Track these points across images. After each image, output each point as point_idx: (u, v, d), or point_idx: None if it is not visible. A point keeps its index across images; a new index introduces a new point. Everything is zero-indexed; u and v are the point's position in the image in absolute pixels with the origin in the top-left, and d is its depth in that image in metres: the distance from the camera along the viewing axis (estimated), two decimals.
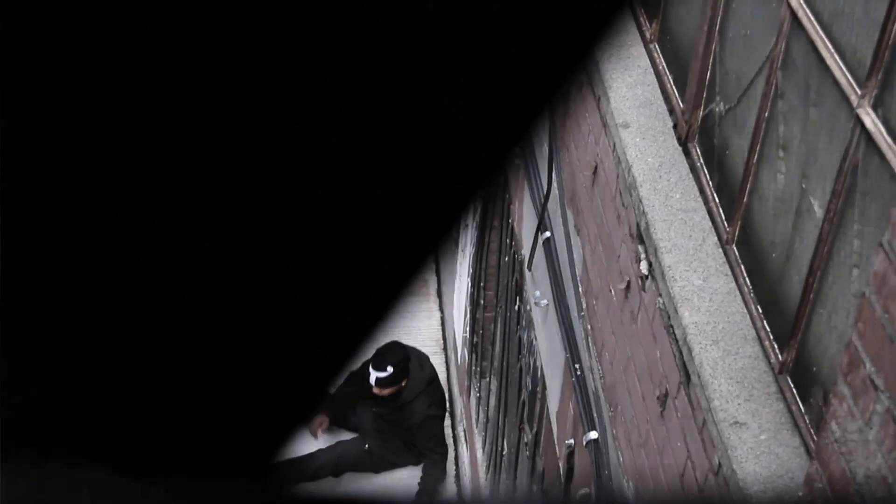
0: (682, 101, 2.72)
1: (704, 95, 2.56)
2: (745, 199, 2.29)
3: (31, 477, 0.27)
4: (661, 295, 2.42)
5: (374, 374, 5.22)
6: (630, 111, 2.78)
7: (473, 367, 5.67)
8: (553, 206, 3.57)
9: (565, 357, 3.31)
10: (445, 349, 6.86)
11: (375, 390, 5.28)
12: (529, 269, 3.92)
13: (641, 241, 2.58)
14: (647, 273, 2.56)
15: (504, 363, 4.74)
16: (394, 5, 0.26)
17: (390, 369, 5.26)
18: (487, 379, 5.45)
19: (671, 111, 2.77)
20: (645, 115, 2.76)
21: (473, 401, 5.69)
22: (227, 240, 0.27)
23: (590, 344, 3.08)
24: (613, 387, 2.86)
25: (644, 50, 2.96)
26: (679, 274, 2.34)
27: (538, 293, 3.74)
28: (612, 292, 2.86)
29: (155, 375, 0.28)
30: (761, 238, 2.23)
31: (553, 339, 3.61)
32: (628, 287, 2.70)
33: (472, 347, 5.65)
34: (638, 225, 2.58)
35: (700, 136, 2.62)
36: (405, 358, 5.34)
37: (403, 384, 5.32)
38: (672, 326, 2.33)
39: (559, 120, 3.39)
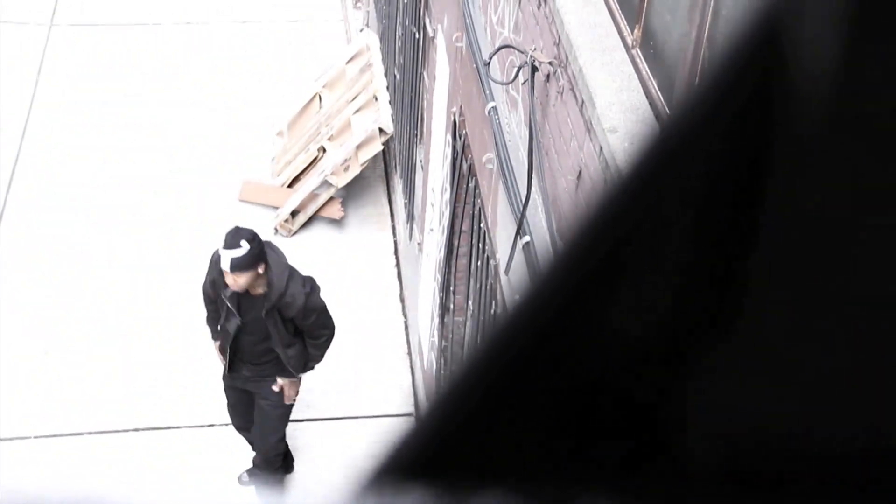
0: (668, 107, 2.75)
1: None
2: None
3: None
4: None
5: (227, 257, 4.79)
6: (617, 116, 2.80)
7: (442, 372, 5.67)
8: (530, 211, 3.59)
9: None
10: (410, 354, 6.86)
11: (231, 279, 4.87)
12: (506, 274, 3.93)
13: None
14: None
15: None
16: None
17: (245, 245, 4.80)
18: None
19: (657, 117, 2.80)
20: (632, 121, 2.79)
21: None
22: None
23: None
24: None
25: (627, 55, 2.99)
26: None
27: (518, 298, 3.75)
28: None
29: None
30: None
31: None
32: None
33: (441, 352, 5.65)
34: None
35: None
36: (256, 237, 4.93)
37: (261, 270, 4.91)
38: None
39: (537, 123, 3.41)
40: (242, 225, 5.16)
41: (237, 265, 4.84)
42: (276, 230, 7.50)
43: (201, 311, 5.66)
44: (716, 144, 0.26)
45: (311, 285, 5.17)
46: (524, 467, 0.27)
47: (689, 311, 0.26)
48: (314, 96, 8.23)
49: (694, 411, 0.26)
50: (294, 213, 7.54)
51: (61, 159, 8.01)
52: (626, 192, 0.26)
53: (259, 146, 8.22)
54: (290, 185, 7.72)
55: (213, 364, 5.78)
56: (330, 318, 5.30)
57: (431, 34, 5.82)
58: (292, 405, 5.65)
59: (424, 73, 6.25)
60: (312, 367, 5.49)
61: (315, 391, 6.53)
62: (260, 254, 4.93)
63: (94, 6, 9.51)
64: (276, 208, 7.60)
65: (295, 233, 7.54)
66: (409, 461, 0.28)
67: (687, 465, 0.26)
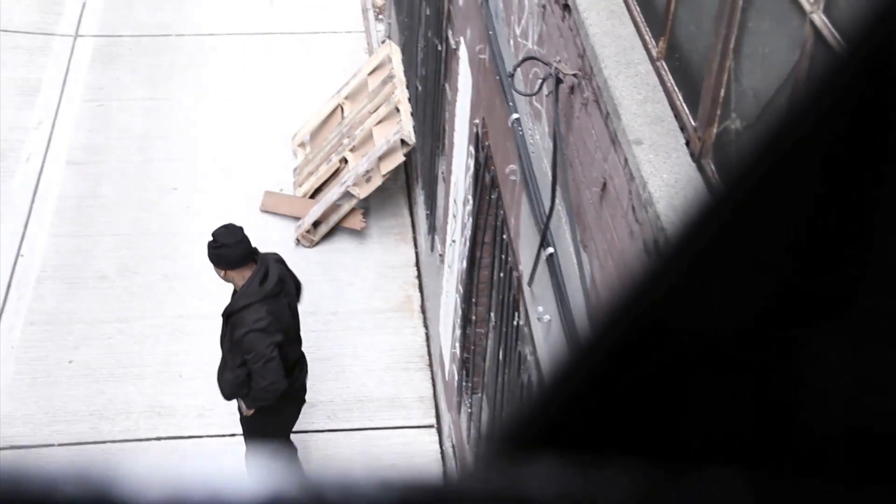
0: (693, 118, 2.75)
1: (718, 112, 2.60)
2: None
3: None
4: None
5: None
6: (642, 128, 2.81)
7: (464, 384, 5.67)
8: (553, 222, 3.60)
9: None
10: (431, 365, 6.86)
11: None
12: (530, 285, 3.94)
13: None
14: None
15: (500, 379, 4.75)
16: None
17: (210, 238, 5.21)
18: (479, 395, 5.46)
19: (682, 128, 2.80)
20: (657, 132, 2.79)
21: (464, 417, 5.70)
22: None
23: None
24: None
25: (652, 67, 3.00)
26: None
27: (541, 309, 3.76)
28: None
29: None
30: None
31: (557, 354, 3.62)
32: None
33: (463, 363, 5.65)
34: (655, 241, 2.61)
35: (714, 153, 2.65)
36: (237, 243, 5.16)
37: (222, 274, 5.21)
38: None
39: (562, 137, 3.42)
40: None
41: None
42: (298, 241, 7.53)
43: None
44: (831, 134, 0.26)
45: (264, 325, 5.09)
46: (648, 438, 0.28)
47: (806, 288, 0.27)
48: (336, 108, 8.26)
49: (811, 384, 0.27)
50: (316, 224, 7.56)
51: (85, 168, 8.07)
52: (745, 176, 0.27)
53: (281, 157, 8.26)
54: (311, 196, 7.75)
55: None
56: (273, 374, 5.16)
57: (454, 46, 5.84)
58: (256, 436, 5.58)
59: (446, 85, 6.27)
60: (244, 405, 5.42)
61: (336, 402, 6.54)
62: (218, 258, 5.21)
63: (118, 18, 9.59)
64: (298, 219, 7.63)
65: (317, 243, 7.57)
66: (534, 432, 0.28)
67: (805, 437, 0.27)
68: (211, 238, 5.24)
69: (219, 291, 7.09)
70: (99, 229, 7.61)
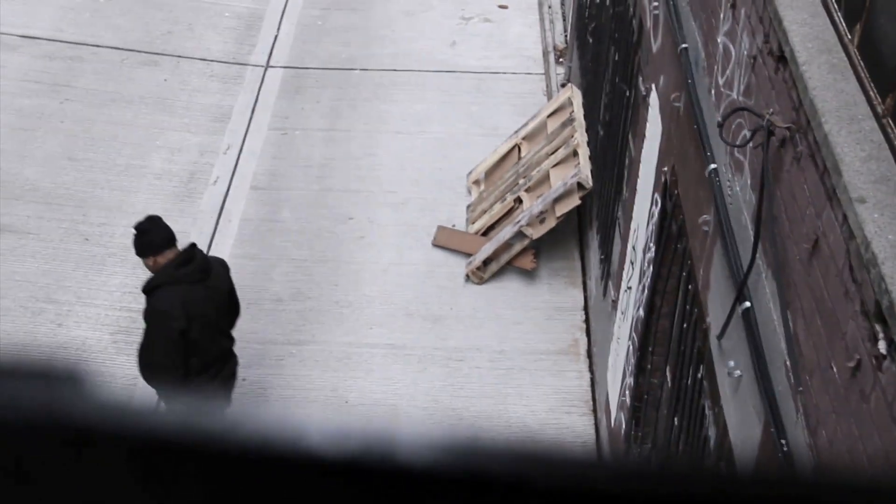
0: None
1: None
2: None
3: None
4: None
5: None
6: (865, 186, 2.72)
7: (633, 433, 5.59)
8: (751, 276, 3.52)
9: (768, 431, 3.23)
10: (595, 411, 6.79)
11: None
12: (719, 339, 3.85)
13: (881, 320, 2.51)
14: (885, 353, 2.48)
15: (674, 431, 4.66)
16: None
17: (134, 231, 5.49)
18: (649, 445, 5.36)
19: None
20: (882, 191, 2.70)
21: None
22: None
23: (802, 421, 3.00)
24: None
25: (877, 124, 2.91)
26: None
27: (731, 363, 3.67)
28: (835, 369, 2.79)
29: None
30: None
31: (746, 411, 3.53)
32: (858, 366, 2.63)
33: (633, 412, 5.57)
34: (877, 303, 2.52)
35: None
36: (158, 229, 5.41)
37: (151, 263, 5.40)
38: None
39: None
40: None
41: None
42: (468, 277, 7.59)
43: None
44: None
45: (167, 307, 5.31)
46: None
47: None
48: (513, 148, 8.32)
49: None
50: (486, 262, 7.61)
51: (267, 194, 8.36)
52: None
53: (455, 193, 8.36)
54: (484, 234, 7.81)
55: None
56: (160, 356, 5.38)
57: (643, 93, 5.80)
58: None
59: (630, 132, 6.23)
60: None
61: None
62: (143, 246, 5.47)
63: (306, 52, 9.94)
64: (469, 255, 7.69)
65: (486, 281, 7.61)
66: None
67: None
68: (134, 231, 5.51)
69: (389, 321, 7.22)
70: (277, 253, 7.85)
